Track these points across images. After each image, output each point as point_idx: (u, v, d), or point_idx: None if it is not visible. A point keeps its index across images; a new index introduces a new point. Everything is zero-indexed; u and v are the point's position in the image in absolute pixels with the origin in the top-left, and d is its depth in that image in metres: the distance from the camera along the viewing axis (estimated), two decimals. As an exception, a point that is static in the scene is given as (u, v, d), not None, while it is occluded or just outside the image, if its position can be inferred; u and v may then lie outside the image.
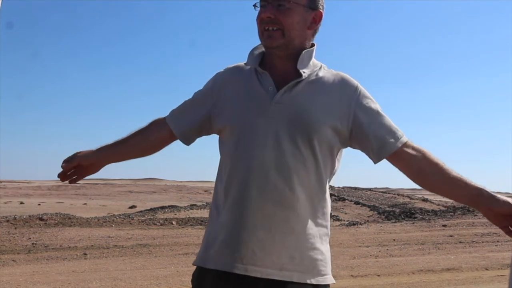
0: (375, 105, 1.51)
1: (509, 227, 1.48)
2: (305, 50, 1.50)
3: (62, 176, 1.68)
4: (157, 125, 1.67)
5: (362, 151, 1.52)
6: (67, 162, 1.67)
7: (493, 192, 1.47)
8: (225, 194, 1.46)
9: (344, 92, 1.49)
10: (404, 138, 1.50)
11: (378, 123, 1.49)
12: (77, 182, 1.73)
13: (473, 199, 1.46)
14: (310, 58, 1.52)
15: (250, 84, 1.51)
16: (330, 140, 1.45)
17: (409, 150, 1.49)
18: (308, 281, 1.41)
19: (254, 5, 1.52)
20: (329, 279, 1.46)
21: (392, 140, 1.49)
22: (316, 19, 1.52)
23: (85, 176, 1.74)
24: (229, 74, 1.59)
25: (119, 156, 1.71)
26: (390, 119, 1.52)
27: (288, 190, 1.40)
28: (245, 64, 1.57)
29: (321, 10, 1.53)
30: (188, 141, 1.64)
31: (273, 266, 1.39)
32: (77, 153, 1.68)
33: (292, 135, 1.42)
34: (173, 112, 1.66)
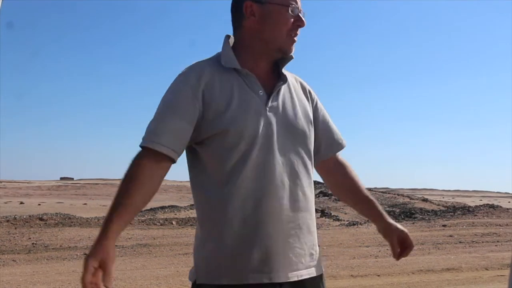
0: (322, 106, 1.66)
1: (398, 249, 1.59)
2: (291, 59, 1.55)
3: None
4: (151, 165, 1.38)
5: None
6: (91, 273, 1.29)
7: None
8: (243, 206, 1.38)
9: (305, 94, 1.61)
10: (344, 143, 1.68)
11: (327, 124, 1.64)
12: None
13: (375, 219, 1.63)
14: None
15: (238, 86, 1.44)
16: (312, 141, 1.55)
17: (338, 163, 1.67)
18: (321, 272, 1.52)
19: (290, 8, 1.48)
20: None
21: (337, 142, 1.66)
22: None
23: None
24: (206, 74, 1.44)
25: (127, 223, 1.40)
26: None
27: (301, 194, 1.45)
28: (223, 63, 1.46)
29: None
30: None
31: (302, 267, 1.45)
32: (90, 262, 1.30)
33: (291, 140, 1.46)
34: (167, 141, 1.39)
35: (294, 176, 1.44)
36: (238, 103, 1.41)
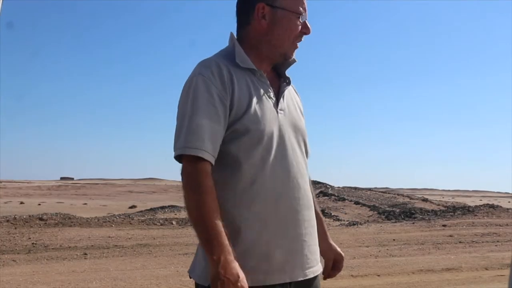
0: None
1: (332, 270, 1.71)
2: (294, 62, 1.58)
3: None
4: (208, 173, 1.35)
5: None
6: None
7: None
8: (264, 208, 1.39)
9: (298, 96, 1.66)
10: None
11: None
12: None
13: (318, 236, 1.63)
14: None
15: (254, 87, 1.46)
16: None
17: None
18: (321, 270, 1.58)
19: (300, 16, 1.50)
20: None
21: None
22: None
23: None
24: (226, 72, 1.42)
25: None
26: None
27: (308, 192, 1.52)
28: (238, 62, 1.46)
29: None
30: None
31: (316, 264, 1.52)
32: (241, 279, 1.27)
33: (298, 141, 1.52)
34: (209, 147, 1.35)
35: (304, 177, 1.51)
36: (256, 103, 1.43)
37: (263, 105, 1.44)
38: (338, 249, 1.70)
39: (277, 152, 1.43)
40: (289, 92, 1.59)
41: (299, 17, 1.50)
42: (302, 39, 1.54)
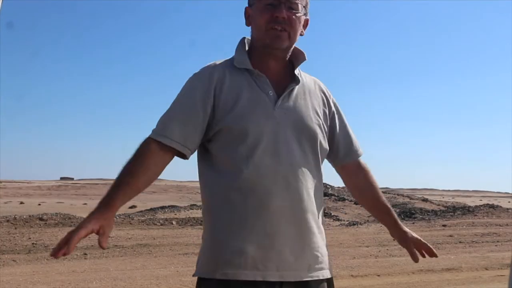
0: (343, 113, 1.67)
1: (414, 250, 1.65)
2: (304, 60, 1.57)
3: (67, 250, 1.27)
4: (158, 153, 1.44)
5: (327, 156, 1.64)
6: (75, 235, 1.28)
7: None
8: (246, 203, 1.41)
9: (324, 98, 1.62)
10: (361, 151, 1.70)
11: (346, 131, 1.67)
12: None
13: (389, 226, 1.68)
14: None
15: (248, 86, 1.48)
16: (324, 144, 1.56)
17: (360, 166, 1.70)
18: (327, 276, 1.52)
19: (267, 3, 1.48)
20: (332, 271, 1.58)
21: (357, 149, 1.68)
22: (305, 25, 1.58)
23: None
24: (218, 74, 1.49)
25: (127, 201, 1.44)
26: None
27: (305, 194, 1.47)
28: (235, 64, 1.51)
29: (309, 17, 1.59)
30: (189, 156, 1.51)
31: (303, 268, 1.45)
32: (91, 223, 1.31)
33: (299, 141, 1.48)
34: (174, 134, 1.44)
35: (299, 177, 1.45)
36: (245, 102, 1.45)
37: (254, 104, 1.45)
38: (414, 235, 1.65)
39: (265, 150, 1.43)
40: (304, 92, 1.55)
41: (271, 5, 1.47)
42: (278, 27, 1.47)
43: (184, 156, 1.48)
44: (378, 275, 6.97)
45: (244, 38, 1.59)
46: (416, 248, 1.62)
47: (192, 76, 1.51)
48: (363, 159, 1.72)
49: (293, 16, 1.49)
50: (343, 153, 1.66)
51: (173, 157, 1.47)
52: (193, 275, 1.49)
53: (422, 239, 1.63)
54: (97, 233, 1.32)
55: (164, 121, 1.47)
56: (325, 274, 1.51)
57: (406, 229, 1.66)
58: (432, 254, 1.62)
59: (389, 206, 1.68)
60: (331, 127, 1.62)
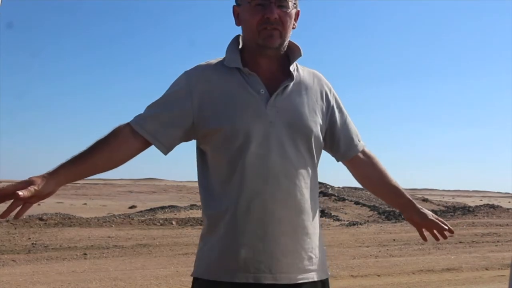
0: (343, 106, 1.64)
1: (424, 231, 1.64)
2: (300, 56, 1.53)
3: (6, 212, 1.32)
4: (126, 135, 1.44)
5: (328, 149, 1.61)
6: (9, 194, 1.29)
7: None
8: (236, 205, 1.39)
9: (323, 92, 1.57)
10: (363, 143, 1.65)
11: (347, 125, 1.62)
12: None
13: (404, 208, 1.63)
14: None
15: (238, 85, 1.45)
16: (320, 141, 1.53)
17: (364, 155, 1.65)
18: (323, 278, 1.49)
19: (256, 3, 1.44)
20: (328, 272, 1.56)
21: (357, 143, 1.63)
22: (296, 17, 1.55)
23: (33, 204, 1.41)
24: (207, 73, 1.47)
25: (80, 176, 1.41)
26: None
27: (298, 194, 1.43)
28: (225, 63, 1.48)
29: (299, 8, 1.55)
30: (168, 151, 1.49)
31: (297, 270, 1.42)
32: (30, 182, 1.33)
33: (293, 140, 1.44)
34: (147, 123, 1.45)
35: (292, 177, 1.42)
36: (235, 102, 1.42)
37: (244, 104, 1.42)
38: (431, 215, 1.62)
39: (256, 151, 1.40)
40: (300, 88, 1.51)
41: (261, 5, 1.44)
42: (270, 27, 1.44)
43: (160, 149, 1.47)
44: (378, 275, 6.97)
45: (238, 36, 1.55)
46: (436, 230, 1.61)
47: (182, 74, 1.50)
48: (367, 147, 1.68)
49: (284, 14, 1.46)
50: (344, 149, 1.61)
51: (143, 146, 1.46)
52: (191, 275, 1.49)
53: (440, 220, 1.61)
54: (20, 196, 1.29)
55: (145, 112, 1.49)
56: (320, 275, 1.48)
57: (425, 210, 1.62)
58: (451, 231, 1.62)
59: (401, 188, 1.63)
60: (331, 122, 1.58)
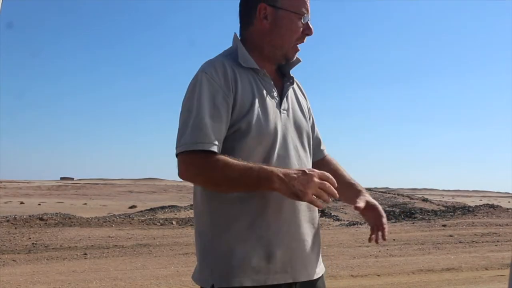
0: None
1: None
2: (299, 62, 1.57)
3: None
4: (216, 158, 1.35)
5: None
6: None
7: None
8: (265, 206, 1.38)
9: (304, 97, 1.65)
10: (325, 147, 1.72)
11: (316, 129, 1.69)
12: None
13: (355, 197, 1.55)
14: None
15: (257, 87, 1.46)
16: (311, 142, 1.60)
17: (326, 158, 1.71)
18: (324, 271, 1.56)
19: (302, 17, 1.48)
20: None
21: (322, 149, 1.70)
22: None
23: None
24: (231, 72, 1.43)
25: None
26: None
27: None
28: (241, 62, 1.46)
29: None
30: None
31: (317, 265, 1.50)
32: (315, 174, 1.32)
33: (301, 142, 1.51)
34: (218, 144, 1.36)
35: None
36: (259, 103, 1.43)
37: (266, 105, 1.43)
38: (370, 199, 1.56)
39: (279, 152, 1.42)
40: (294, 91, 1.58)
41: (301, 18, 1.48)
42: (305, 41, 1.52)
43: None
44: (378, 275, 6.97)
45: (236, 34, 1.55)
46: (376, 222, 1.52)
47: (206, 76, 1.40)
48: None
49: None
50: (316, 151, 1.67)
51: None
52: (201, 286, 1.41)
53: (377, 205, 1.54)
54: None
55: (202, 129, 1.35)
56: (322, 270, 1.56)
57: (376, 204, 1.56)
58: (384, 237, 1.51)
59: (356, 182, 1.62)
60: (312, 126, 1.66)
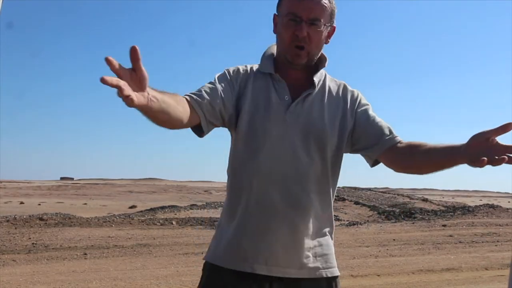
0: (371, 108, 1.63)
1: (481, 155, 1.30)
2: (323, 67, 1.62)
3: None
4: (186, 103, 1.40)
5: (362, 151, 1.60)
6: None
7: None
8: (245, 199, 1.51)
9: (348, 100, 1.62)
10: (394, 137, 1.56)
11: (376, 123, 1.59)
12: None
13: (452, 154, 1.37)
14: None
15: (267, 90, 1.55)
16: (338, 148, 1.57)
17: (404, 143, 1.54)
18: (324, 275, 1.54)
19: (293, 18, 1.48)
20: (337, 271, 1.59)
21: (389, 136, 1.55)
22: (331, 34, 1.61)
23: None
24: (246, 73, 1.59)
25: (161, 104, 1.24)
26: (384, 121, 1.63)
27: (305, 196, 1.51)
28: (259, 68, 1.60)
29: (335, 25, 1.60)
30: (204, 134, 1.49)
31: (293, 266, 1.50)
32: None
33: (306, 145, 1.52)
34: (202, 100, 1.44)
35: (300, 180, 1.50)
36: (261, 105, 1.53)
37: (268, 108, 1.52)
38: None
39: (268, 153, 1.50)
40: (323, 97, 1.57)
41: (293, 20, 1.49)
42: (302, 43, 1.50)
43: (201, 134, 1.47)
44: (378, 275, 6.98)
45: (274, 44, 1.64)
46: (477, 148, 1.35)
47: (224, 70, 1.59)
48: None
49: (315, 32, 1.51)
50: (375, 146, 1.55)
51: (195, 121, 1.43)
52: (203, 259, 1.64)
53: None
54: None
55: (205, 93, 1.47)
56: (321, 274, 1.53)
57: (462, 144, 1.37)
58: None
59: (429, 144, 1.44)
60: (358, 126, 1.56)
